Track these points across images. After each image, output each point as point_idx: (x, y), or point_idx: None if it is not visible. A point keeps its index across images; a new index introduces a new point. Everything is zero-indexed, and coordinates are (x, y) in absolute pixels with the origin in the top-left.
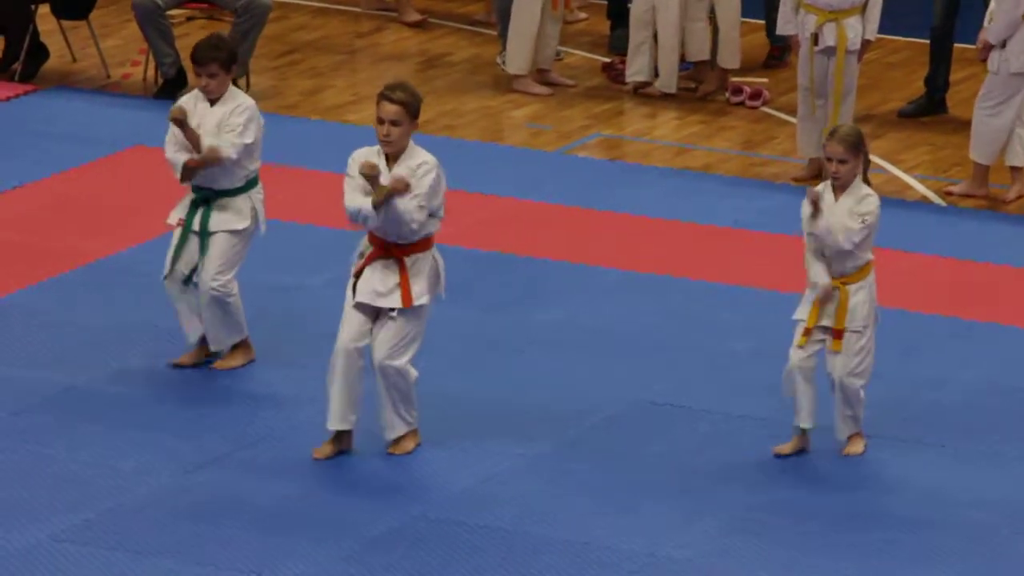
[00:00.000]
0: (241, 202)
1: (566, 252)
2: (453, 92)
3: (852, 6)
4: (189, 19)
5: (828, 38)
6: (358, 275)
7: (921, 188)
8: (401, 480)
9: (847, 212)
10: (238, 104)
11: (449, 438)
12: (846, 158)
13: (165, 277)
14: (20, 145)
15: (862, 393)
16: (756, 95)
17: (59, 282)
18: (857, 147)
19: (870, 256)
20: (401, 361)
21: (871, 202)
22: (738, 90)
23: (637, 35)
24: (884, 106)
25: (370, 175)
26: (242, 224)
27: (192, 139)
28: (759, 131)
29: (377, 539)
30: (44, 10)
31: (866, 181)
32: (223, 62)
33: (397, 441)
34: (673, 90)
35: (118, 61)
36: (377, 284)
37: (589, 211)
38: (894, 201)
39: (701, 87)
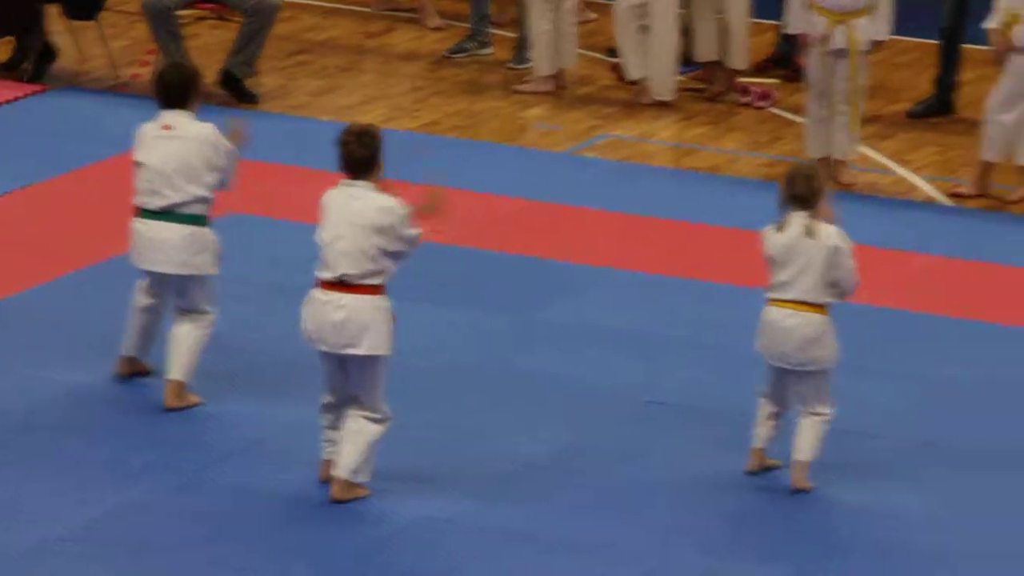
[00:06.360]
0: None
1: (574, 253)
2: (463, 93)
3: (861, 7)
4: (199, 19)
5: (838, 40)
6: None
7: (928, 188)
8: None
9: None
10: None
11: (461, 436)
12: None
13: None
14: (28, 145)
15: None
16: (764, 96)
17: (66, 282)
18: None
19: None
20: None
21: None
22: (745, 90)
23: (623, 33)
24: (893, 107)
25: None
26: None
27: None
28: (766, 131)
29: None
30: (53, 10)
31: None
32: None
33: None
34: (668, 98)
35: (127, 61)
36: None
37: (597, 211)
38: (901, 202)
39: (710, 88)
